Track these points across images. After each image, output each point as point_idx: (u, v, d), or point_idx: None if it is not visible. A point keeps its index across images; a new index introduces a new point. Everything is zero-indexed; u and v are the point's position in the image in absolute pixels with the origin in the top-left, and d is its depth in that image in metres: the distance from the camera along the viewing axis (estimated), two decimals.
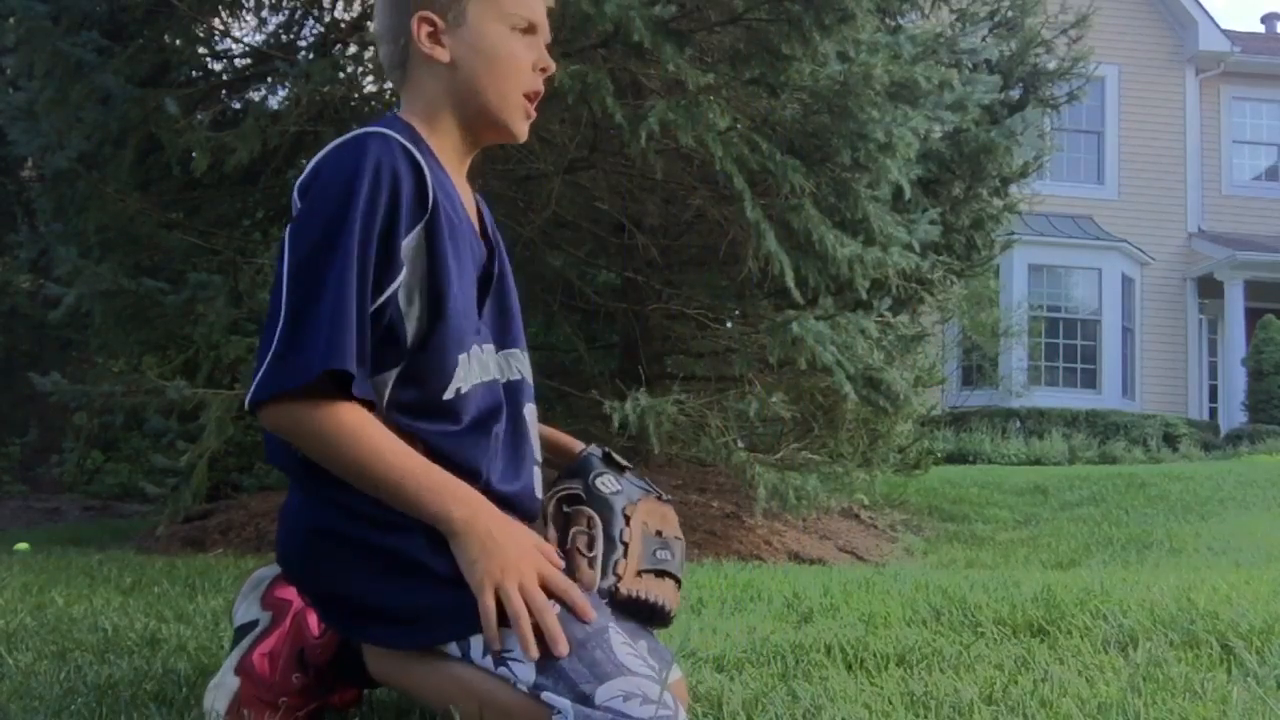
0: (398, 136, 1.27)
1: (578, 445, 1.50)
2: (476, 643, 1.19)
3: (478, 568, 1.19)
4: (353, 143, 1.26)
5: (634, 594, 1.32)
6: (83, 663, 1.76)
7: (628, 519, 1.36)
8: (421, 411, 1.28)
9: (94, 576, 3.09)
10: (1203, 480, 7.91)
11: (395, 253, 1.24)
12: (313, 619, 1.40)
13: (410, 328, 1.27)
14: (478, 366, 1.34)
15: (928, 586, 2.55)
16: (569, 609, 1.19)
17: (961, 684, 1.47)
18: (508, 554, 1.20)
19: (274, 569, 1.46)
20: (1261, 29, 18.10)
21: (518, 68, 1.36)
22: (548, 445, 1.51)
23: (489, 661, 1.18)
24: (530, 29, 1.38)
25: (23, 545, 4.43)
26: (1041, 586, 2.39)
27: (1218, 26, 15.22)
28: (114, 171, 4.46)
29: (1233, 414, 13.85)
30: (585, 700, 1.13)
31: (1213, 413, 14.99)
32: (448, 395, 1.29)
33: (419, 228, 1.26)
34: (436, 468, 1.24)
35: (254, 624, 1.42)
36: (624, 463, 1.46)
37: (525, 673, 1.16)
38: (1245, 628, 1.80)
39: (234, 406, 4.21)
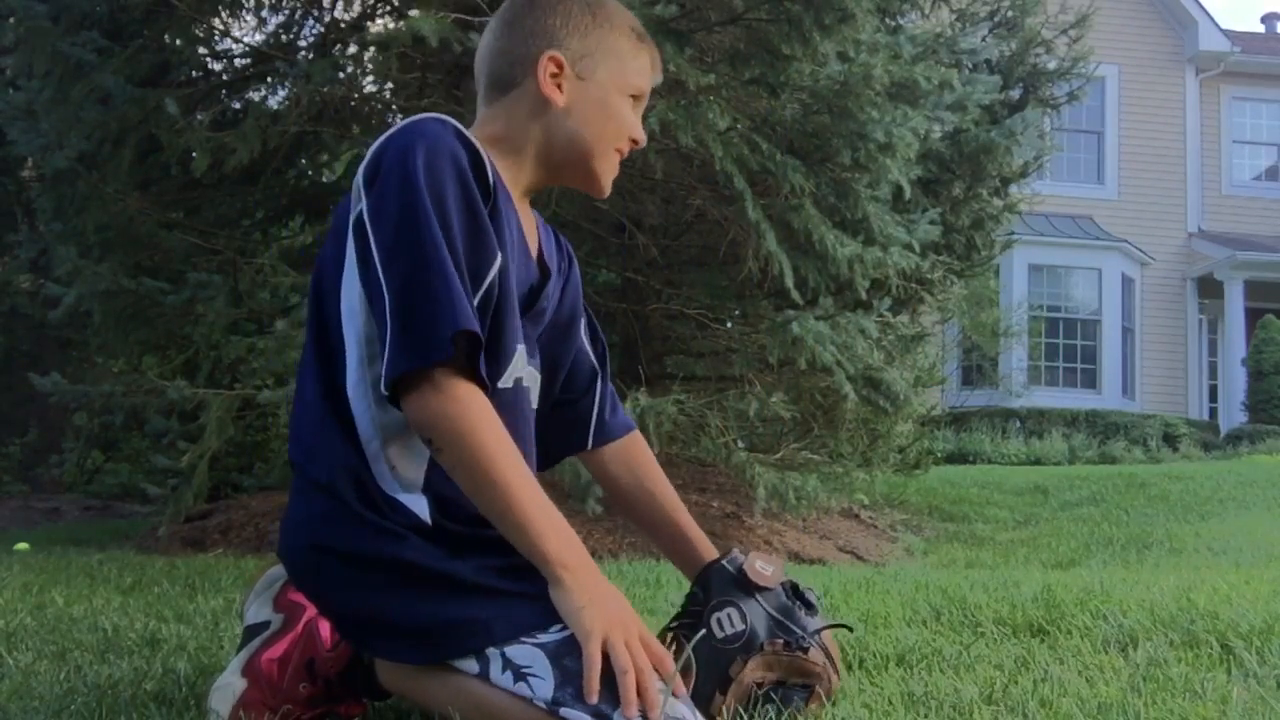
0: (456, 125, 1.27)
1: (710, 552, 1.43)
2: (495, 657, 1.17)
3: (585, 615, 1.16)
4: (413, 124, 1.26)
5: None
6: (83, 663, 1.76)
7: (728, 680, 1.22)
8: None
9: (94, 576, 3.09)
10: (1203, 480, 7.91)
11: (486, 229, 1.24)
12: (325, 628, 1.39)
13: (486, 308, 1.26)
14: (520, 362, 1.35)
15: (928, 586, 2.55)
16: (662, 677, 1.15)
17: (961, 684, 1.47)
18: (612, 608, 1.17)
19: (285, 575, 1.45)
20: (1261, 29, 18.10)
21: (622, 129, 1.41)
22: (674, 537, 1.49)
23: (508, 678, 1.16)
24: (638, 98, 1.44)
25: (23, 545, 4.43)
26: (1041, 586, 2.39)
27: (1218, 26, 15.23)
28: (114, 171, 4.46)
29: (1233, 414, 13.85)
30: (603, 718, 1.11)
31: (1213, 413, 14.99)
32: (503, 384, 1.30)
33: (489, 206, 1.26)
34: (547, 500, 1.21)
35: (265, 625, 1.41)
36: (807, 596, 1.35)
37: (544, 689, 1.14)
38: (1245, 628, 1.80)
39: (234, 407, 4.21)
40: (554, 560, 1.17)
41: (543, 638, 1.17)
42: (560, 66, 1.36)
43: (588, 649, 1.13)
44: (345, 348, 1.28)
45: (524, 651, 1.17)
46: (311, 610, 1.40)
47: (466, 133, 1.28)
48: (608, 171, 1.42)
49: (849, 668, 1.65)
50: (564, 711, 1.12)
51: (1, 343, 8.79)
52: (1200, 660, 1.64)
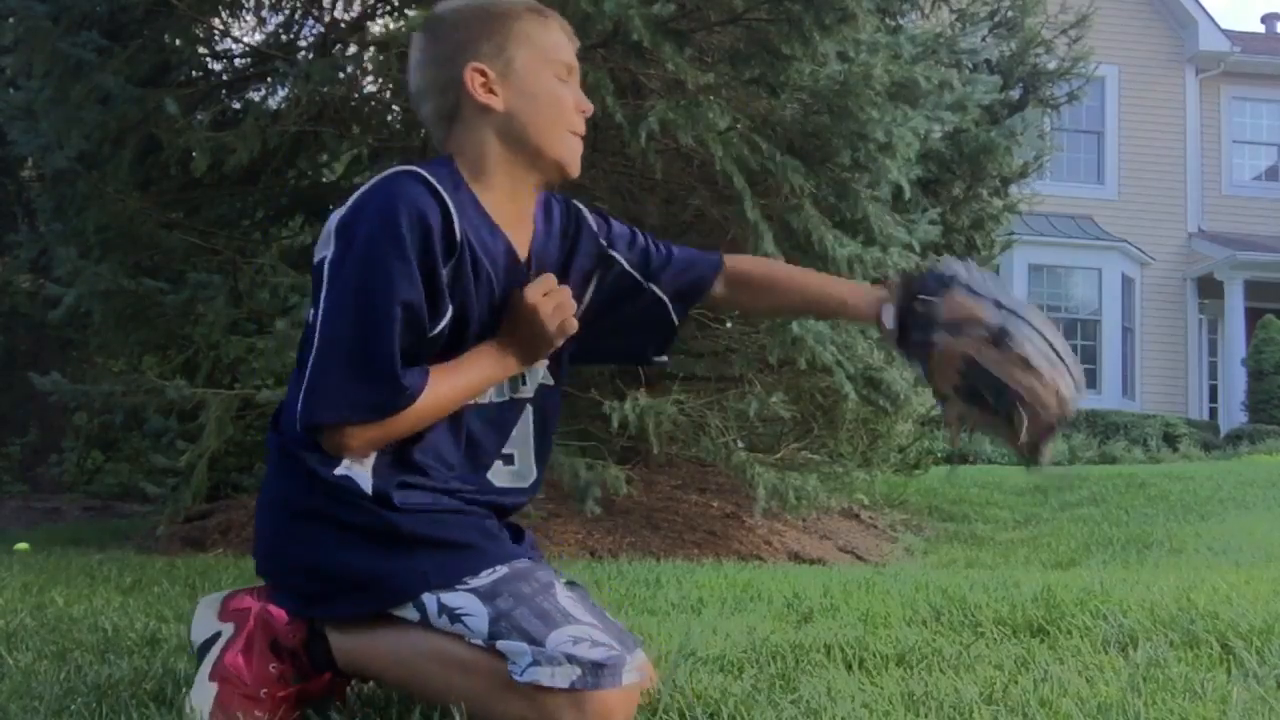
0: (430, 178, 1.34)
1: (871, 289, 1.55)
2: (430, 602, 1.29)
3: (527, 346, 1.43)
4: (389, 181, 1.35)
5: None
6: (83, 663, 1.76)
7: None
8: None
9: (94, 576, 3.09)
10: (1203, 480, 7.91)
11: (441, 291, 1.34)
12: (277, 610, 1.42)
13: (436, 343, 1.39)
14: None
15: (928, 586, 2.56)
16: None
17: (961, 684, 1.47)
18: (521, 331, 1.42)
19: (221, 593, 1.49)
20: (1261, 29, 18.10)
21: (565, 108, 1.45)
22: (822, 296, 1.62)
23: (445, 620, 1.28)
24: (569, 73, 1.47)
25: (23, 545, 4.43)
26: (1041, 586, 2.39)
27: (1218, 26, 15.23)
28: (114, 171, 4.45)
29: (1233, 414, 13.85)
30: (537, 644, 1.23)
31: (1213, 413, 14.99)
32: (482, 399, 1.44)
33: (450, 265, 1.35)
34: (464, 367, 1.40)
35: (216, 635, 1.43)
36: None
37: (479, 625, 1.26)
38: (1245, 628, 1.80)
39: (234, 406, 4.21)
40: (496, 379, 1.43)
41: (474, 582, 1.30)
42: (484, 74, 1.42)
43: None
44: None
45: (458, 597, 1.29)
46: (257, 606, 1.43)
47: (438, 186, 1.34)
48: (571, 152, 1.47)
49: (849, 668, 1.65)
50: (500, 644, 1.25)
51: (1, 343, 8.79)
52: (1200, 660, 1.64)
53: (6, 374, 8.57)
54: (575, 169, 1.48)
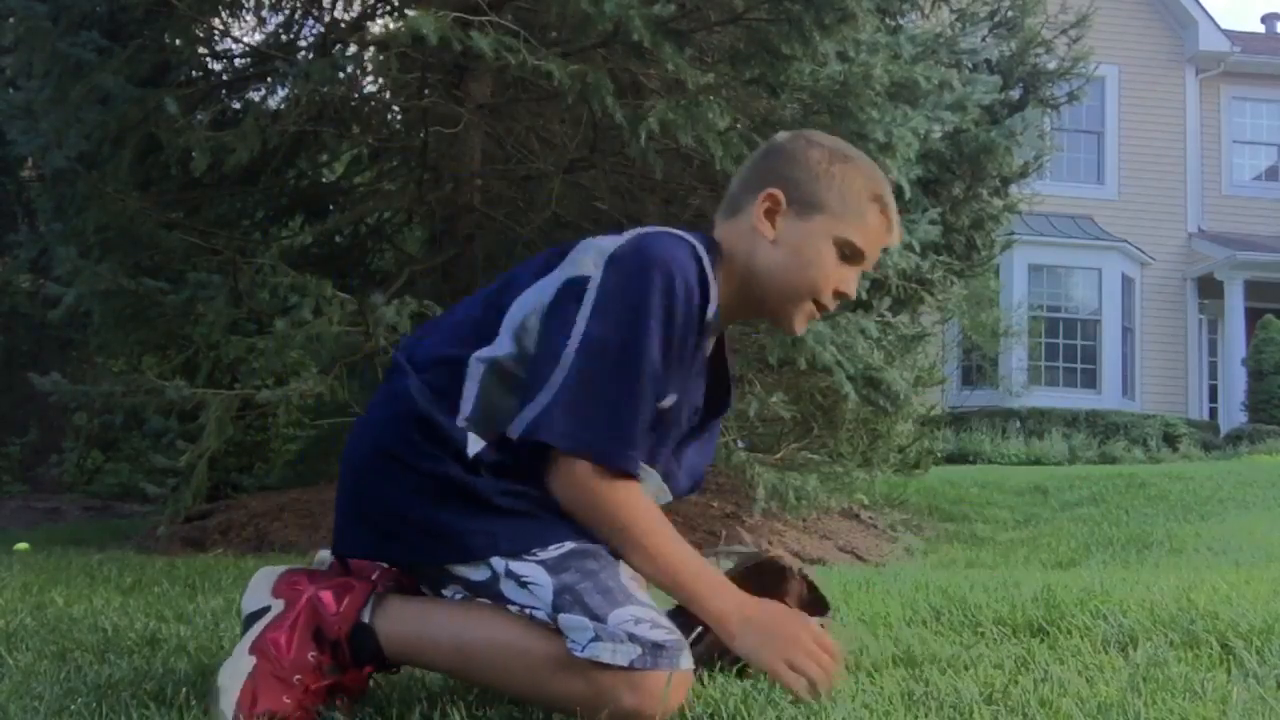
0: (704, 261, 1.39)
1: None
2: (499, 565, 1.32)
3: (764, 653, 1.33)
4: (670, 241, 1.38)
5: None
6: (83, 663, 1.76)
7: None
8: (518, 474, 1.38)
9: (94, 576, 3.09)
10: (1203, 480, 7.91)
11: (681, 367, 1.39)
12: (328, 597, 1.41)
13: None
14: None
15: (928, 586, 2.56)
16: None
17: (961, 684, 1.47)
18: (779, 631, 1.34)
19: (281, 568, 1.49)
20: (1261, 29, 18.10)
21: (820, 279, 1.46)
22: None
23: (511, 586, 1.31)
24: (853, 257, 1.48)
25: (23, 545, 4.43)
26: (1041, 586, 2.39)
27: (1218, 26, 15.23)
28: (113, 171, 4.45)
29: (1233, 414, 13.85)
30: (599, 620, 1.25)
31: (1213, 413, 14.99)
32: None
33: (689, 350, 1.40)
34: (698, 558, 1.38)
35: (265, 610, 1.42)
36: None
37: (544, 595, 1.28)
38: (1245, 628, 1.80)
39: (233, 406, 4.21)
40: (720, 616, 1.34)
41: (542, 554, 1.31)
42: (777, 203, 1.45)
43: (782, 678, 1.33)
44: (498, 337, 1.40)
45: (525, 566, 1.31)
46: (310, 589, 1.42)
47: (707, 266, 1.38)
48: (800, 315, 1.49)
49: (849, 668, 1.65)
50: (562, 618, 1.27)
51: (1, 343, 8.79)
52: (1200, 660, 1.64)
53: (6, 374, 8.57)
54: (798, 329, 1.51)
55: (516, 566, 1.31)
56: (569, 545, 1.32)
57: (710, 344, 1.51)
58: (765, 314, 1.51)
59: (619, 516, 1.34)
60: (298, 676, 1.35)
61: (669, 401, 1.39)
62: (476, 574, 1.33)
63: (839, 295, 1.48)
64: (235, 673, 1.35)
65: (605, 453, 1.33)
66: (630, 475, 1.35)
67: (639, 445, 1.35)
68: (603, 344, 1.32)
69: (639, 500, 1.37)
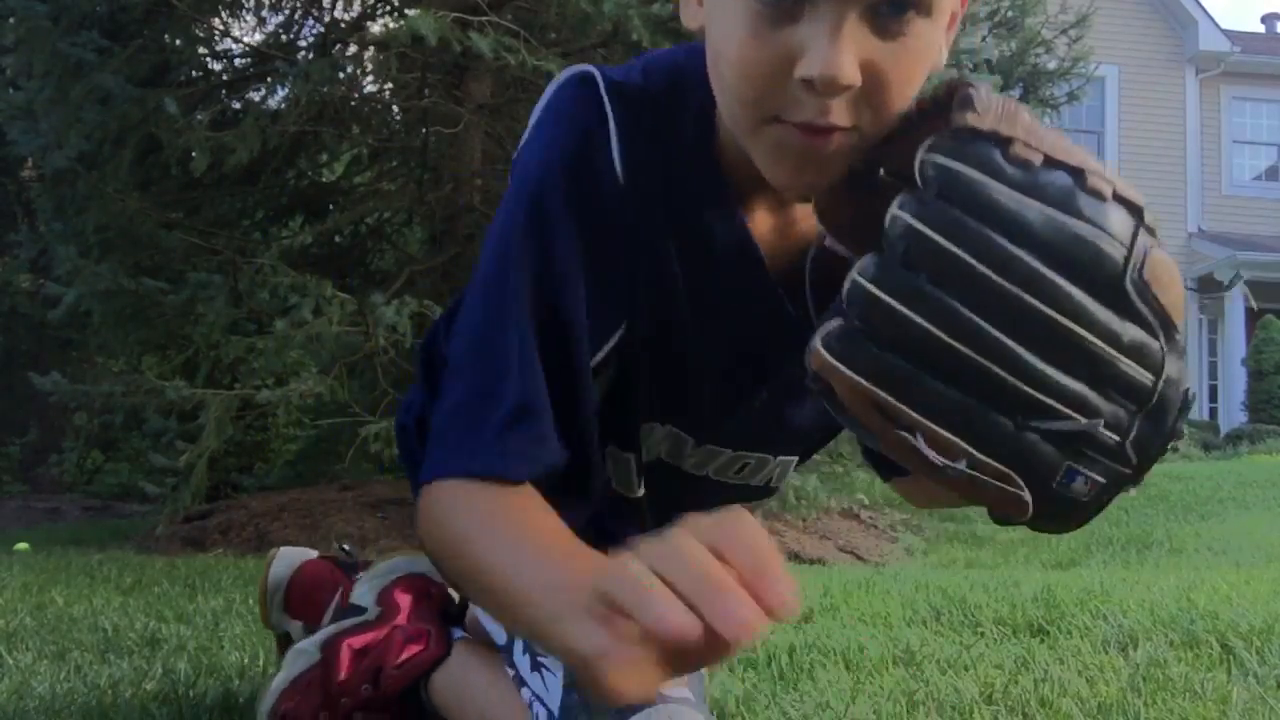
0: (609, 75, 0.83)
1: None
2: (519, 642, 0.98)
3: (559, 630, 0.61)
4: (558, 106, 0.84)
5: None
6: (83, 663, 1.76)
7: None
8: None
9: (94, 576, 3.09)
10: (1203, 480, 7.91)
11: (611, 282, 0.82)
12: (400, 641, 1.32)
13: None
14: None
15: (928, 586, 2.55)
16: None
17: (961, 684, 1.47)
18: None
19: (410, 565, 1.36)
20: (1261, 29, 18.10)
21: (745, 71, 0.71)
22: None
23: (527, 666, 0.96)
24: (793, 12, 0.68)
25: (23, 545, 4.43)
26: (1041, 586, 2.39)
27: (1218, 26, 15.23)
28: (114, 171, 4.46)
29: (1233, 414, 13.85)
30: None
31: (1213, 413, 14.99)
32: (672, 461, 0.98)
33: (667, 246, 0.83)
34: (551, 541, 0.73)
35: (362, 610, 1.35)
36: None
37: (555, 689, 0.92)
38: (1245, 628, 1.80)
39: (233, 406, 4.21)
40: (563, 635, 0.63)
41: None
42: None
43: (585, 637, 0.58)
44: None
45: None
46: (402, 618, 1.33)
47: (607, 104, 0.81)
48: (757, 148, 0.75)
49: (849, 668, 1.65)
50: None
51: (1, 343, 8.79)
52: (1200, 660, 1.64)
53: (6, 374, 8.57)
54: (778, 179, 0.76)
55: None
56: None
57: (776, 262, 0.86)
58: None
59: (434, 534, 0.80)
60: (344, 699, 1.28)
61: (618, 335, 0.84)
62: (499, 633, 1.02)
63: (809, 84, 0.68)
64: (299, 661, 1.29)
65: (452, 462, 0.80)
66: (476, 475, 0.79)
67: (511, 431, 0.78)
68: (485, 285, 0.82)
69: (468, 500, 0.78)
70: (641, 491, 0.99)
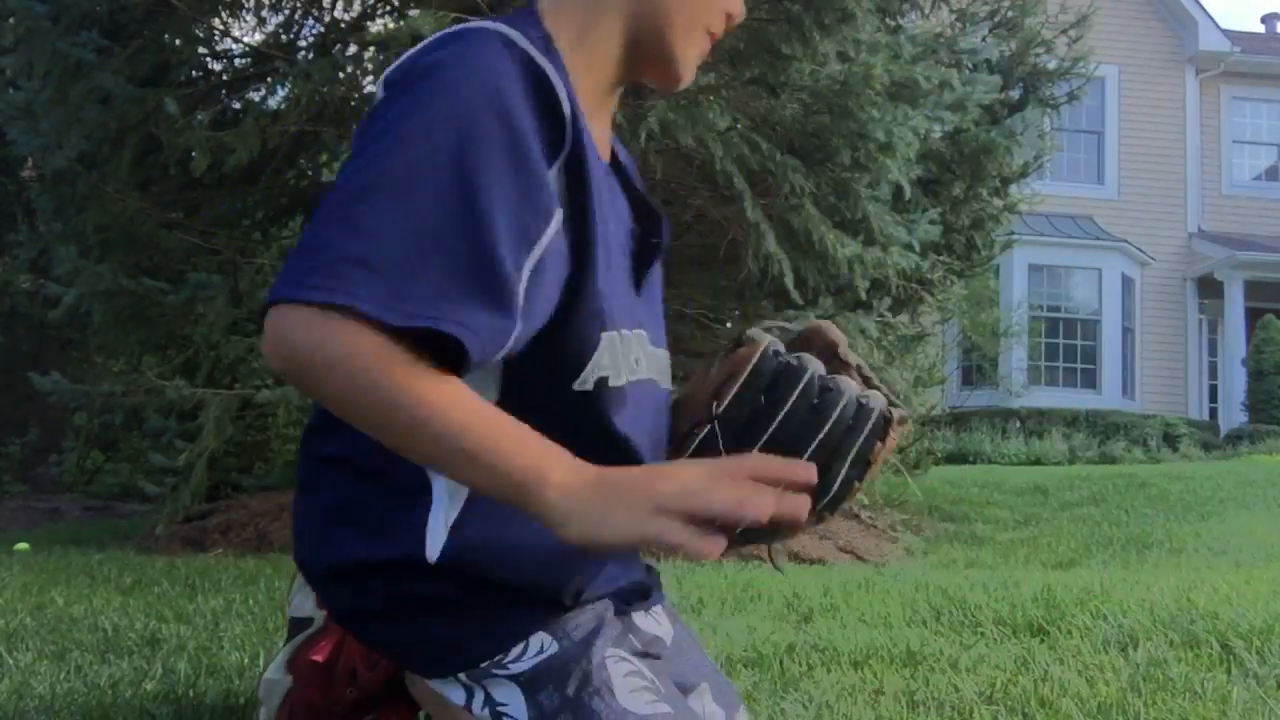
0: (526, 46, 0.92)
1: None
2: (476, 690, 0.97)
3: (618, 515, 0.77)
4: (466, 38, 0.91)
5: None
6: (83, 663, 1.75)
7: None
8: (534, 409, 0.87)
9: (94, 576, 3.09)
10: (1203, 480, 7.91)
11: (544, 184, 0.90)
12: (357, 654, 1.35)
13: (538, 303, 0.92)
14: (627, 355, 1.02)
15: (928, 586, 2.55)
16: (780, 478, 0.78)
17: (961, 684, 1.47)
18: (638, 481, 0.79)
19: None
20: (1261, 29, 18.11)
21: (708, 4, 1.09)
22: None
23: (486, 715, 0.95)
24: None
25: (23, 545, 4.43)
26: (1041, 586, 2.39)
27: (1218, 26, 15.23)
28: (113, 171, 4.46)
29: (1233, 414, 13.85)
30: None
31: (1213, 413, 14.99)
32: (579, 385, 0.97)
33: (557, 164, 0.92)
34: (497, 412, 0.83)
35: (309, 621, 1.37)
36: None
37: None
38: (1245, 628, 1.80)
39: (233, 406, 4.21)
40: (531, 474, 0.79)
41: (514, 667, 0.95)
42: None
43: (659, 531, 0.75)
44: None
45: (499, 689, 0.95)
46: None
47: (533, 52, 0.91)
48: (691, 57, 1.08)
49: (849, 668, 1.64)
50: None
51: (1, 343, 8.79)
52: (1200, 660, 1.64)
53: (6, 374, 8.57)
54: (688, 78, 1.09)
55: (491, 685, 0.95)
56: (543, 642, 0.95)
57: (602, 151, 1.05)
58: (648, 74, 1.08)
59: (342, 368, 0.79)
60: (336, 706, 1.26)
61: (552, 227, 0.91)
62: (456, 693, 0.98)
63: (728, 17, 1.11)
64: (274, 691, 1.28)
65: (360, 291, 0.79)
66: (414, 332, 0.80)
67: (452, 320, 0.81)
68: (407, 179, 0.86)
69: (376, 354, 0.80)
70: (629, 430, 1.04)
